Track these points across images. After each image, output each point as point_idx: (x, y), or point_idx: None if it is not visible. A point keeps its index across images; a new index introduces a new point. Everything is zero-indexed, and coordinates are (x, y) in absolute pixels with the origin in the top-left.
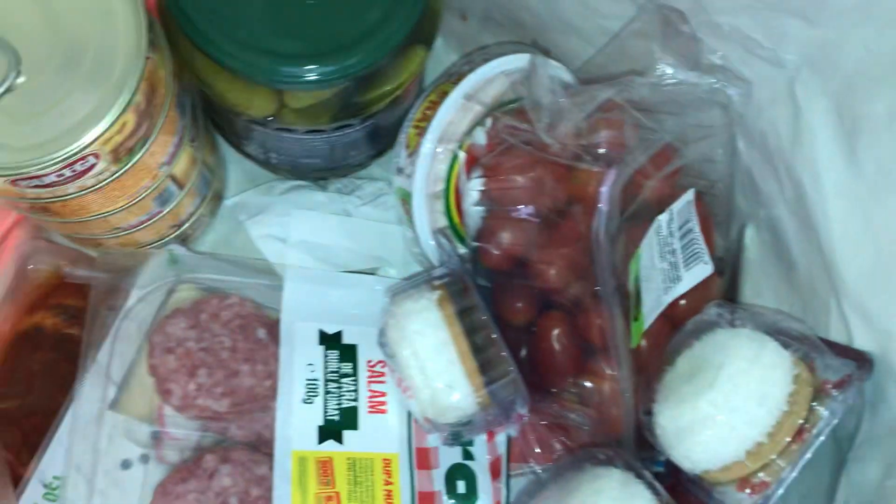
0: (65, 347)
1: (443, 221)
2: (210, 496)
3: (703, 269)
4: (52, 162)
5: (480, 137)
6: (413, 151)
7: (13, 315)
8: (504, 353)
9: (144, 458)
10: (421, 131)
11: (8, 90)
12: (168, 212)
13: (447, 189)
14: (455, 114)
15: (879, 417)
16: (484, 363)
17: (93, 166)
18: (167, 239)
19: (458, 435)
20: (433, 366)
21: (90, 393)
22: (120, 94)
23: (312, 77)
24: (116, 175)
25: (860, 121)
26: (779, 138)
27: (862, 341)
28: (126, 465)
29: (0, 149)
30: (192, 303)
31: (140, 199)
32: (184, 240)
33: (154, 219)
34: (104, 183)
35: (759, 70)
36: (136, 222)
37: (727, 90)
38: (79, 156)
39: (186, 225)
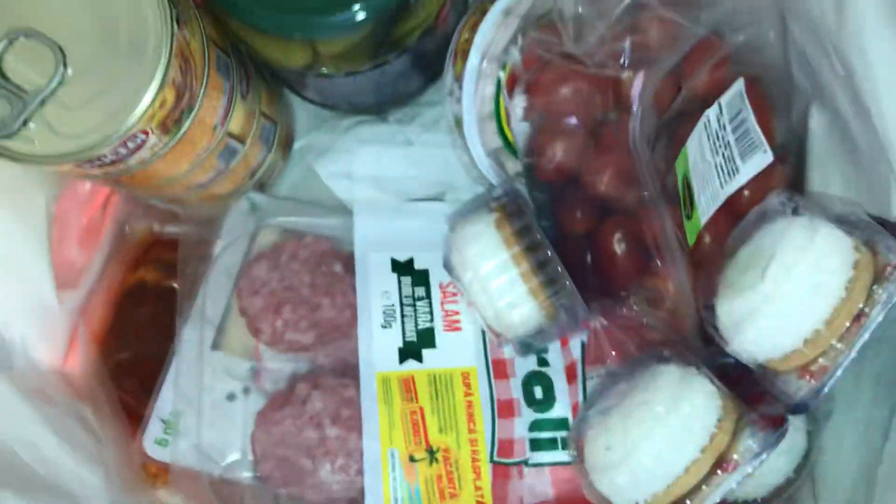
0: (166, 298)
1: (497, 142)
2: (305, 419)
3: (762, 159)
4: (106, 143)
5: (515, 55)
6: (459, 75)
7: (119, 273)
8: (560, 268)
9: (246, 391)
10: (464, 54)
11: (60, 84)
12: (235, 165)
13: (497, 109)
14: (496, 32)
15: None
16: (544, 280)
17: (144, 142)
18: (245, 187)
19: (529, 346)
20: (495, 286)
21: (191, 336)
22: (154, 75)
23: (339, 23)
24: (170, 144)
25: None
26: (823, 15)
27: None
28: (231, 397)
29: (59, 137)
30: (273, 246)
31: (203, 160)
32: (261, 187)
33: (223, 173)
34: (161, 153)
35: None
36: (206, 180)
37: None
38: (128, 135)
39: (260, 173)
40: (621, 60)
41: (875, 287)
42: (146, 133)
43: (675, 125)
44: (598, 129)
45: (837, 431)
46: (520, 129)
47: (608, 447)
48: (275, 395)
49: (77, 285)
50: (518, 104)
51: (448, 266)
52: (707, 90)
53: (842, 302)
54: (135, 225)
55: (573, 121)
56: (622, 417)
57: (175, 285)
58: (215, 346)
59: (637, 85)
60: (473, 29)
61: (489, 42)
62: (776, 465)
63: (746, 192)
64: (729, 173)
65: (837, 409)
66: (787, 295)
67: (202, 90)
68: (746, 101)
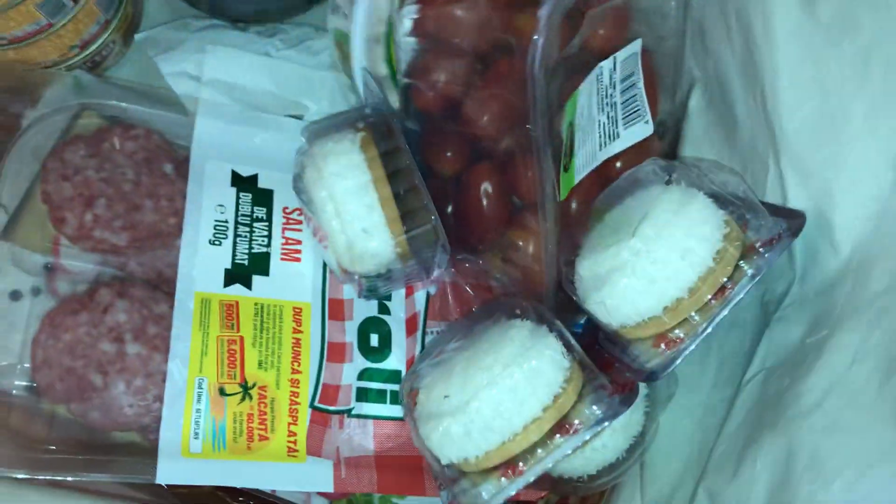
0: None
1: (384, 70)
2: (102, 330)
3: (642, 129)
4: None
5: None
6: None
7: None
8: (427, 203)
9: (35, 290)
10: None
11: None
12: (62, 26)
13: (388, 32)
14: None
15: (809, 278)
16: (405, 211)
17: None
18: (72, 62)
19: (375, 288)
20: (351, 209)
21: None
22: None
23: None
24: None
25: None
26: None
27: (797, 200)
28: (15, 296)
29: None
30: (95, 131)
31: (19, 3)
32: (93, 67)
33: (45, 32)
34: None
35: None
36: (22, 33)
37: None
38: None
39: (92, 48)
40: None
41: (742, 263)
42: None
43: (570, 69)
44: (489, 58)
45: (675, 414)
46: (405, 45)
47: (446, 395)
48: (70, 297)
49: None
50: (408, 13)
51: (298, 184)
52: (602, 43)
53: (708, 271)
54: None
55: (466, 44)
56: (465, 366)
57: None
58: (5, 234)
59: (546, 9)
60: None
61: None
62: (610, 441)
63: (619, 163)
64: (609, 136)
65: (679, 392)
66: (656, 256)
67: None
68: (640, 66)
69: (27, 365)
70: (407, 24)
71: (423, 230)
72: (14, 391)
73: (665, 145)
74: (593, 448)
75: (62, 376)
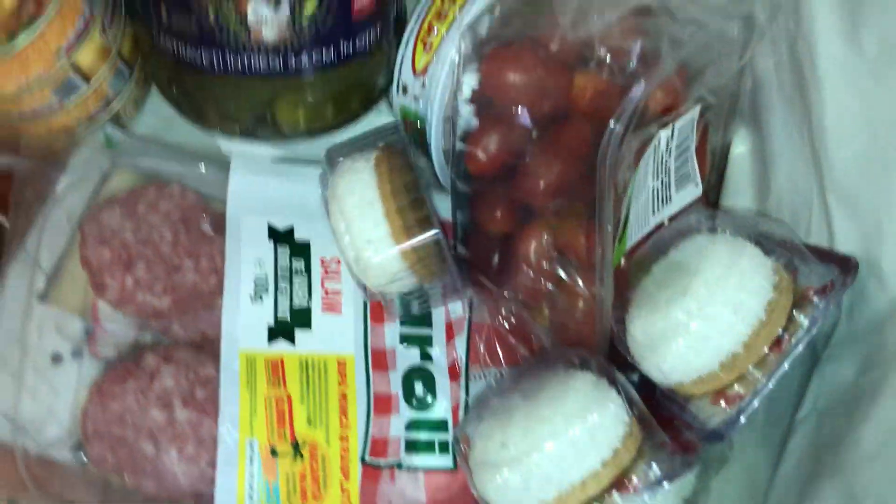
0: None
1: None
2: (151, 397)
3: (692, 192)
4: None
5: (483, 26)
6: (423, 68)
7: None
8: (430, 213)
9: (76, 353)
10: (428, 45)
11: None
12: (74, 103)
13: None
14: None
15: (858, 316)
16: (410, 224)
17: None
18: (98, 119)
19: (408, 304)
20: (358, 224)
21: (17, 284)
22: None
23: None
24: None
25: None
26: (787, 23)
27: (845, 237)
28: (57, 359)
29: None
30: (129, 191)
31: (34, 89)
32: (117, 120)
33: (56, 110)
34: None
35: None
36: (31, 111)
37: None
38: None
39: (116, 105)
40: (628, 62)
41: (796, 312)
42: None
43: (633, 141)
44: (550, 128)
45: (725, 475)
46: (463, 111)
47: (504, 443)
48: (115, 364)
49: None
50: (469, 81)
51: (324, 205)
52: (660, 108)
53: (761, 324)
54: None
55: (525, 113)
56: (524, 415)
57: (2, 221)
58: (44, 297)
59: (635, 95)
60: (441, 16)
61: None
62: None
63: (667, 223)
64: (662, 201)
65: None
66: (710, 313)
67: (54, 3)
68: (695, 130)
69: (78, 436)
70: (466, 91)
71: (427, 238)
72: (66, 462)
73: (706, 198)
74: None
75: (113, 447)
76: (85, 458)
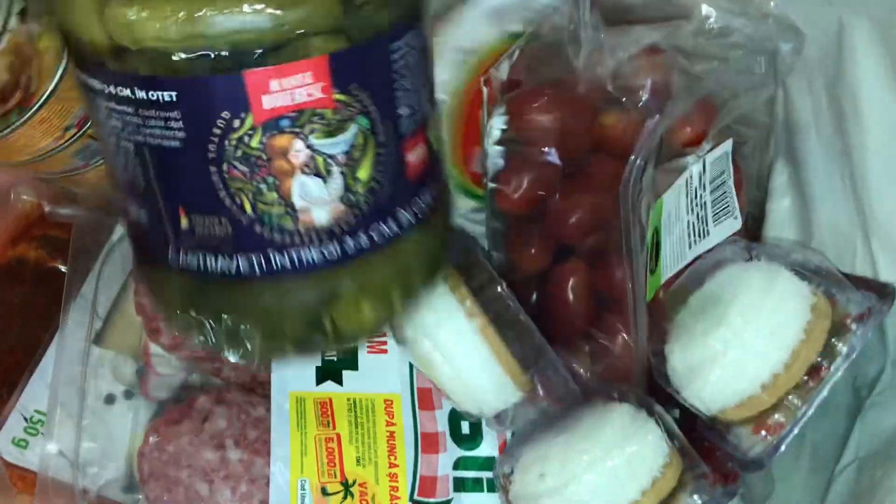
0: (46, 281)
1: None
2: (205, 439)
3: (731, 225)
4: None
5: (504, 71)
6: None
7: None
8: (540, 341)
9: (128, 394)
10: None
11: None
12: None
13: None
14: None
15: None
16: (522, 355)
17: None
18: None
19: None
20: (464, 363)
21: (75, 327)
22: None
23: None
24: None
25: None
26: (825, 67)
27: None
28: (109, 399)
29: None
30: None
31: (48, 157)
32: None
33: (79, 169)
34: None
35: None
36: (60, 171)
37: (778, 41)
38: None
39: None
40: (634, 98)
41: (834, 340)
42: None
43: (655, 171)
44: (578, 165)
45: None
46: (493, 153)
47: (542, 474)
48: (168, 407)
49: None
50: (497, 124)
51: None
52: (688, 140)
53: (801, 344)
54: (24, 195)
55: (552, 152)
56: (563, 447)
57: (60, 267)
58: (99, 340)
59: (649, 128)
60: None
61: None
62: None
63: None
64: (699, 234)
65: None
66: (746, 340)
67: (47, 92)
68: (730, 164)
69: (134, 476)
70: (496, 133)
71: (547, 371)
72: (120, 501)
73: (750, 229)
74: None
75: (169, 487)
76: (141, 498)
